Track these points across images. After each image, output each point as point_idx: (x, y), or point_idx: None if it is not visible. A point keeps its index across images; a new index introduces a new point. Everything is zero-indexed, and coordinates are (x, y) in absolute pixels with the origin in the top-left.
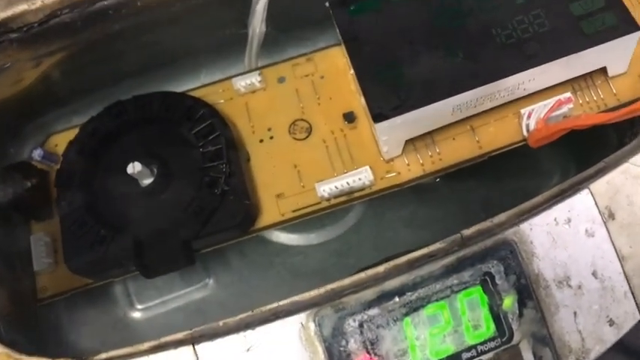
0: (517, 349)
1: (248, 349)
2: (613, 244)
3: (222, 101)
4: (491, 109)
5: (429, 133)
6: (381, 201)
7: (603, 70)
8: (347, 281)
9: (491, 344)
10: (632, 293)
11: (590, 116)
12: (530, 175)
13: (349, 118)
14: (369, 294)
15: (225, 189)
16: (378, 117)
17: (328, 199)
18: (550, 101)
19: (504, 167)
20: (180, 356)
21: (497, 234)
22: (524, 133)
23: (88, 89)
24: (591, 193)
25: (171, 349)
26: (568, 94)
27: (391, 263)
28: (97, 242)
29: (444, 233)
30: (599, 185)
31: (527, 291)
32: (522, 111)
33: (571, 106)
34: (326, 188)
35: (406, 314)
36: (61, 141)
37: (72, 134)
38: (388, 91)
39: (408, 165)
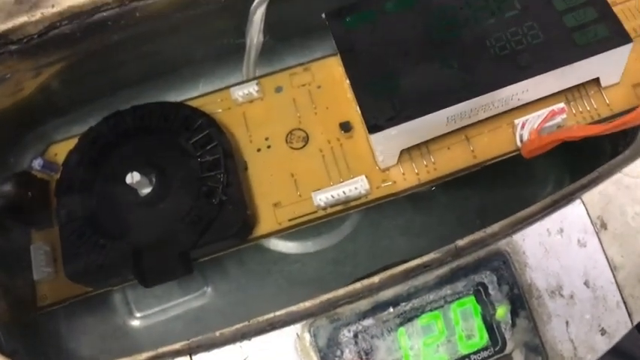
0: (510, 358)
1: None
2: (605, 254)
3: (220, 111)
4: (486, 119)
5: (424, 143)
6: (377, 209)
7: (596, 81)
8: (342, 292)
9: (485, 354)
10: (624, 302)
11: (582, 128)
12: (525, 183)
13: (345, 127)
14: (364, 304)
15: (223, 198)
16: (373, 128)
17: (325, 208)
18: (543, 112)
19: (499, 176)
20: None
21: (491, 244)
22: (518, 143)
23: (87, 99)
24: (583, 203)
25: (168, 359)
26: (561, 105)
27: (386, 273)
28: (96, 251)
29: (439, 241)
30: (592, 195)
31: (520, 301)
32: (516, 121)
33: (564, 116)
34: (322, 197)
35: (400, 324)
36: (60, 150)
37: (71, 144)
38: (383, 102)
39: (404, 174)
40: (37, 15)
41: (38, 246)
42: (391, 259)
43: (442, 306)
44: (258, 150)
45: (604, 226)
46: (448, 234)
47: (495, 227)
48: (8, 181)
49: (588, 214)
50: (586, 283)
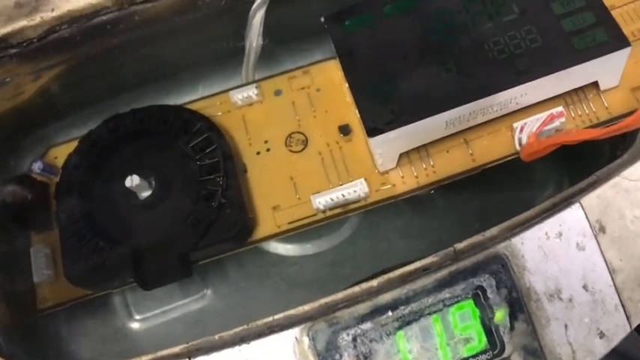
0: None
1: None
2: (604, 258)
3: (219, 114)
4: (485, 122)
5: (424, 146)
6: (376, 212)
7: (595, 84)
8: (341, 295)
9: (483, 357)
10: (623, 306)
11: (580, 132)
12: (525, 185)
13: (345, 130)
14: (363, 308)
15: (223, 201)
16: (372, 131)
17: (324, 211)
18: (542, 115)
19: (498, 178)
20: None
21: (489, 248)
22: (517, 146)
23: (87, 102)
24: (582, 206)
25: None
26: (560, 108)
27: (384, 277)
28: (96, 254)
29: (438, 244)
30: (590, 199)
31: (519, 304)
32: (515, 125)
33: (563, 120)
34: (321, 200)
35: (399, 328)
36: (60, 153)
37: (71, 147)
38: (382, 106)
39: (403, 177)
40: (37, 19)
41: (38, 248)
42: (390, 261)
43: (441, 309)
44: (258, 153)
45: (603, 229)
46: (447, 237)
47: (494, 231)
48: (8, 184)
49: (587, 217)
50: (585, 287)
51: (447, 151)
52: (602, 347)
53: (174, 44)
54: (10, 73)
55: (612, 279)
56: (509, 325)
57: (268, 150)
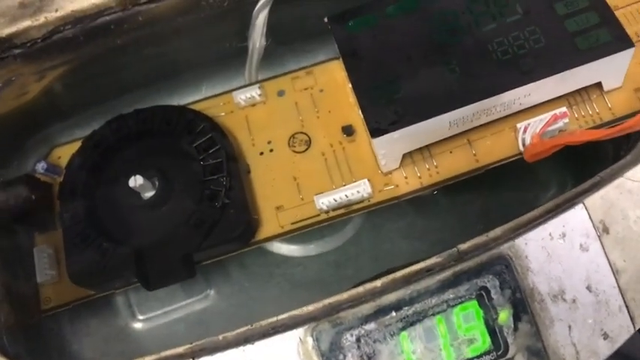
0: None
1: None
2: (607, 258)
3: (222, 114)
4: (488, 123)
5: (427, 147)
6: (379, 213)
7: (599, 85)
8: (344, 296)
9: (487, 358)
10: (627, 307)
11: (584, 132)
12: (528, 186)
13: (348, 131)
14: (367, 308)
15: (226, 202)
16: (375, 132)
17: (327, 212)
18: (545, 116)
19: (502, 179)
20: None
21: (493, 248)
22: (521, 147)
23: (91, 102)
24: (586, 207)
25: None
26: (564, 109)
27: (388, 278)
28: (99, 254)
29: (441, 244)
30: (594, 200)
31: (523, 305)
32: (518, 125)
33: (566, 120)
34: (325, 201)
35: (403, 329)
36: (64, 153)
37: (75, 147)
38: (385, 106)
39: (406, 178)
40: (41, 19)
41: (41, 249)
42: (393, 262)
43: (444, 310)
44: (261, 153)
45: (606, 230)
46: (450, 238)
47: (498, 231)
48: (12, 184)
49: (590, 218)
50: (588, 288)
51: (451, 152)
52: (606, 348)
53: (178, 45)
54: (15, 73)
55: (616, 280)
56: (513, 325)
57: (271, 150)
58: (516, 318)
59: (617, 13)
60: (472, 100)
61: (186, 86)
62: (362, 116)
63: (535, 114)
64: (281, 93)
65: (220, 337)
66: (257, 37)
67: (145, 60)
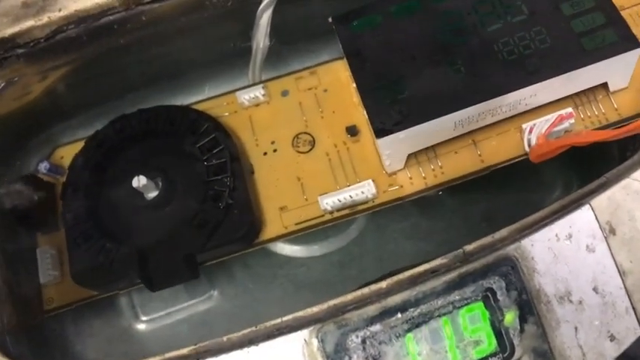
0: None
1: None
2: (614, 260)
3: (226, 114)
4: (493, 123)
5: (432, 147)
6: (383, 213)
7: (604, 85)
8: (350, 297)
9: None
10: (633, 308)
11: (590, 133)
12: (533, 187)
13: (352, 131)
14: (372, 310)
15: (230, 202)
16: (380, 132)
17: (331, 212)
18: (551, 116)
19: (507, 180)
20: None
21: (499, 250)
22: (526, 148)
23: (94, 102)
24: (592, 208)
25: None
26: (569, 110)
27: (393, 279)
28: (102, 255)
29: (446, 245)
30: (600, 201)
31: (529, 306)
32: (524, 126)
33: (572, 121)
34: (329, 201)
35: (408, 330)
36: (66, 154)
37: (78, 147)
38: (390, 106)
39: (411, 178)
40: (44, 19)
41: (44, 249)
42: (397, 262)
43: (450, 312)
44: (265, 154)
45: (613, 231)
46: (454, 238)
47: (504, 232)
48: (14, 185)
49: (597, 219)
50: (595, 289)
51: (456, 152)
52: (613, 350)
53: (181, 44)
54: (17, 73)
55: (623, 281)
56: (519, 327)
57: (275, 151)
58: (522, 319)
59: (623, 14)
60: (477, 101)
61: (190, 86)
62: (366, 116)
63: (541, 114)
64: (285, 93)
65: (225, 338)
66: (261, 37)
67: (148, 60)
